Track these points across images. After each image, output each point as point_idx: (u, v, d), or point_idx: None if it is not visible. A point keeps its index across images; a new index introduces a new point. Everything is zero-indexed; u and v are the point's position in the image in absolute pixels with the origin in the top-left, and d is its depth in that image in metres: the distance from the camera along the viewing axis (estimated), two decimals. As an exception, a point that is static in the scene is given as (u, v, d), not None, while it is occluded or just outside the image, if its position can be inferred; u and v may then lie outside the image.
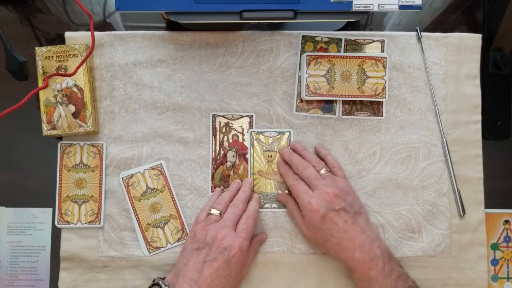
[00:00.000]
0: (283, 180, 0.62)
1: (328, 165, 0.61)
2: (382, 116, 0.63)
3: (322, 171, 0.59)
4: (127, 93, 0.63)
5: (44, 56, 0.60)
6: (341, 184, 0.58)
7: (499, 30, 0.64)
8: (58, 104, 0.59)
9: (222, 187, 0.62)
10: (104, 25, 0.66)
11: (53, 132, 0.59)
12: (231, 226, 0.55)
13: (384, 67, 0.62)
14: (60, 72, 0.59)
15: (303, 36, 0.64)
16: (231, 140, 0.63)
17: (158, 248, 0.61)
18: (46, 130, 0.59)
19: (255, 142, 0.63)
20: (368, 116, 0.63)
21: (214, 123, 0.63)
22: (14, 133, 0.63)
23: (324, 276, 0.61)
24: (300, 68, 0.63)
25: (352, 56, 0.62)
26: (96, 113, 0.62)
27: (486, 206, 0.63)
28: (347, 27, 0.66)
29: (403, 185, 0.62)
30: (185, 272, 0.53)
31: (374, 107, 0.64)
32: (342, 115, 0.63)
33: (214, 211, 0.57)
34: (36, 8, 0.66)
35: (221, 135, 0.63)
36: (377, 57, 0.62)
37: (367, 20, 0.67)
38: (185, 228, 0.61)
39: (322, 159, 0.61)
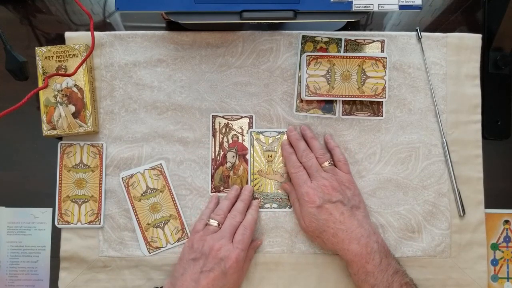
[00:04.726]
0: (283, 180, 0.62)
1: (334, 158, 0.60)
2: (382, 116, 0.63)
3: (326, 164, 0.59)
4: (127, 93, 0.63)
5: (44, 56, 0.60)
6: (341, 178, 0.58)
7: (499, 30, 0.64)
8: (58, 104, 0.59)
9: (222, 188, 0.62)
10: (104, 25, 0.66)
11: (53, 132, 0.59)
12: (228, 237, 0.55)
13: (384, 67, 0.62)
14: (60, 72, 0.59)
15: (303, 36, 0.64)
16: (230, 141, 0.63)
17: (158, 248, 0.61)
18: (46, 130, 0.59)
19: (255, 142, 0.63)
20: (368, 116, 0.63)
21: (213, 124, 0.63)
22: (14, 133, 0.63)
23: (324, 276, 0.61)
24: (300, 68, 0.63)
25: (352, 56, 0.62)
26: (96, 113, 0.62)
27: (486, 206, 0.63)
28: (347, 27, 0.65)
29: (403, 185, 0.62)
30: (182, 282, 0.53)
31: (374, 107, 0.64)
32: (342, 115, 0.63)
33: (213, 222, 0.57)
34: (36, 8, 0.66)
35: (221, 136, 0.63)
36: (377, 57, 0.62)
37: (367, 20, 0.67)
38: (185, 228, 0.61)
39: (330, 150, 0.61)
